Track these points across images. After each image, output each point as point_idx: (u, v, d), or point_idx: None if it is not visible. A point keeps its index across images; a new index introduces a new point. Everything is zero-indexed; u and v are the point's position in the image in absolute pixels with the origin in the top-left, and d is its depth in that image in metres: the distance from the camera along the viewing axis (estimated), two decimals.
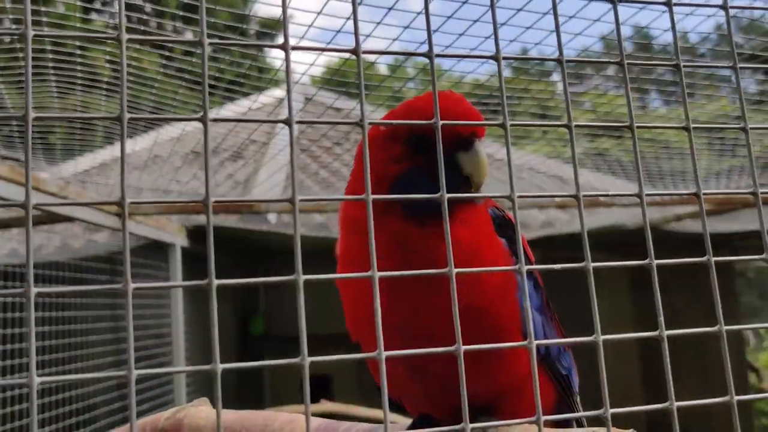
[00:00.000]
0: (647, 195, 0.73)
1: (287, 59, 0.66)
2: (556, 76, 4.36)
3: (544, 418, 0.66)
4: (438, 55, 0.70)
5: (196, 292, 5.19)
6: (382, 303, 1.12)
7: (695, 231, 5.34)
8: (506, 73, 4.03)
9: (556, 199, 4.19)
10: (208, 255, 0.61)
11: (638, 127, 0.75)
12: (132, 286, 0.59)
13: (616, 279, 7.20)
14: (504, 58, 0.72)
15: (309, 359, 0.62)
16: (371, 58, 3.20)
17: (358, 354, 0.64)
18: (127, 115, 0.60)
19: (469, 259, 1.02)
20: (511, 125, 0.71)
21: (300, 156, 5.35)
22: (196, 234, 4.68)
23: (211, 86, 3.02)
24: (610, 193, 0.71)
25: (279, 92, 4.30)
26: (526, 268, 0.70)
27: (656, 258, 0.73)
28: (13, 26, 2.34)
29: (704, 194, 0.75)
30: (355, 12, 0.70)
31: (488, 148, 4.93)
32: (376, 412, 4.66)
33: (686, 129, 0.76)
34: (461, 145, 1.06)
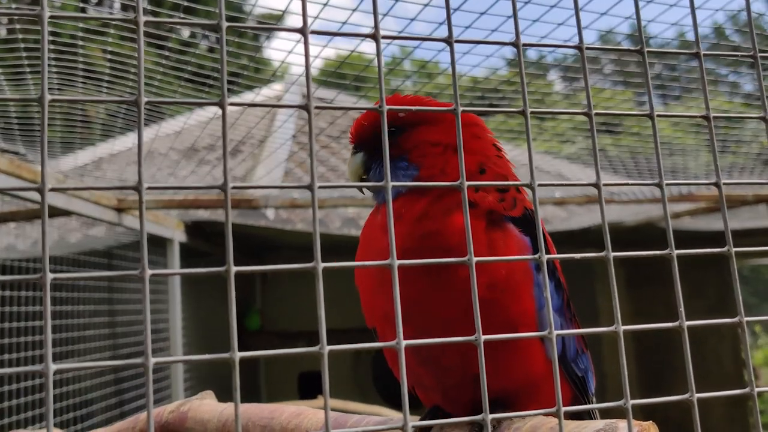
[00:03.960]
0: (667, 184, 0.73)
1: (306, 43, 0.65)
2: (553, 74, 4.35)
3: (564, 409, 0.65)
4: (458, 41, 0.69)
5: (194, 286, 5.18)
6: (385, 292, 1.12)
7: (693, 228, 5.35)
8: (503, 70, 4.02)
9: (557, 194, 4.19)
10: (227, 242, 0.60)
11: (658, 116, 0.74)
12: (149, 272, 0.58)
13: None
14: (524, 45, 0.71)
15: (328, 348, 0.61)
16: (369, 55, 3.19)
17: (377, 343, 0.63)
18: (144, 99, 0.59)
19: (420, 243, 1.07)
20: (532, 113, 0.70)
21: (297, 152, 5.34)
22: (194, 229, 4.66)
23: (210, 77, 3.00)
24: (630, 182, 0.70)
25: (277, 86, 4.30)
26: (546, 257, 0.70)
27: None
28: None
29: (724, 183, 0.75)
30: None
31: None
32: (371, 408, 4.66)
33: (706, 118, 0.76)
34: None
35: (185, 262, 4.46)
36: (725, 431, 6.61)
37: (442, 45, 2.34)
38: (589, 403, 1.22)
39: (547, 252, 1.14)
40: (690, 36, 3.44)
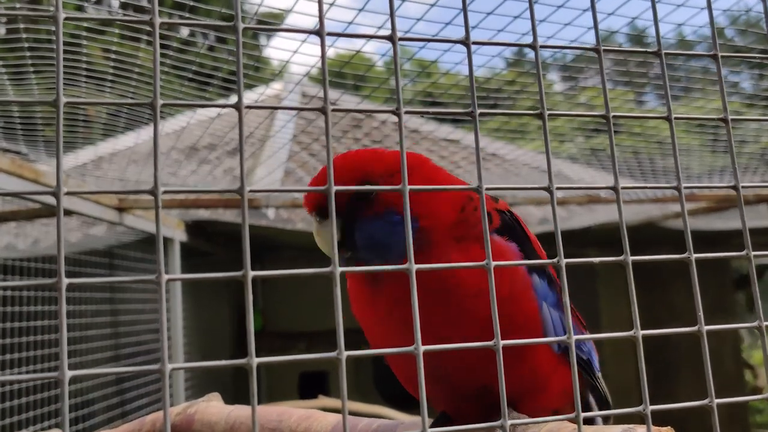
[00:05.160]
0: (685, 188, 0.72)
1: (322, 45, 0.64)
2: (553, 74, 4.34)
3: (583, 415, 0.64)
4: (475, 43, 0.68)
5: (195, 286, 5.16)
6: (378, 334, 1.10)
7: (694, 228, 5.33)
8: (504, 71, 4.02)
9: (559, 194, 4.16)
10: (243, 246, 0.59)
11: (676, 119, 0.74)
12: (165, 277, 0.57)
13: (614, 279, 7.18)
14: (542, 47, 0.70)
15: (346, 353, 0.60)
16: (369, 55, 3.19)
17: (395, 349, 0.62)
18: (160, 102, 0.58)
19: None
20: (549, 115, 0.69)
21: (298, 153, 5.32)
22: (195, 229, 4.65)
23: (210, 76, 2.99)
24: (649, 186, 0.69)
25: (277, 86, 4.30)
26: (564, 262, 0.69)
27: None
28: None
29: (743, 187, 0.74)
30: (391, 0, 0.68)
31: (491, 145, 4.88)
32: (371, 408, 4.65)
33: (724, 121, 0.75)
34: None
35: (186, 262, 4.45)
36: (725, 431, 6.62)
37: (447, 45, 2.33)
38: (597, 382, 1.22)
39: (536, 254, 1.14)
40: (690, 37, 3.44)
